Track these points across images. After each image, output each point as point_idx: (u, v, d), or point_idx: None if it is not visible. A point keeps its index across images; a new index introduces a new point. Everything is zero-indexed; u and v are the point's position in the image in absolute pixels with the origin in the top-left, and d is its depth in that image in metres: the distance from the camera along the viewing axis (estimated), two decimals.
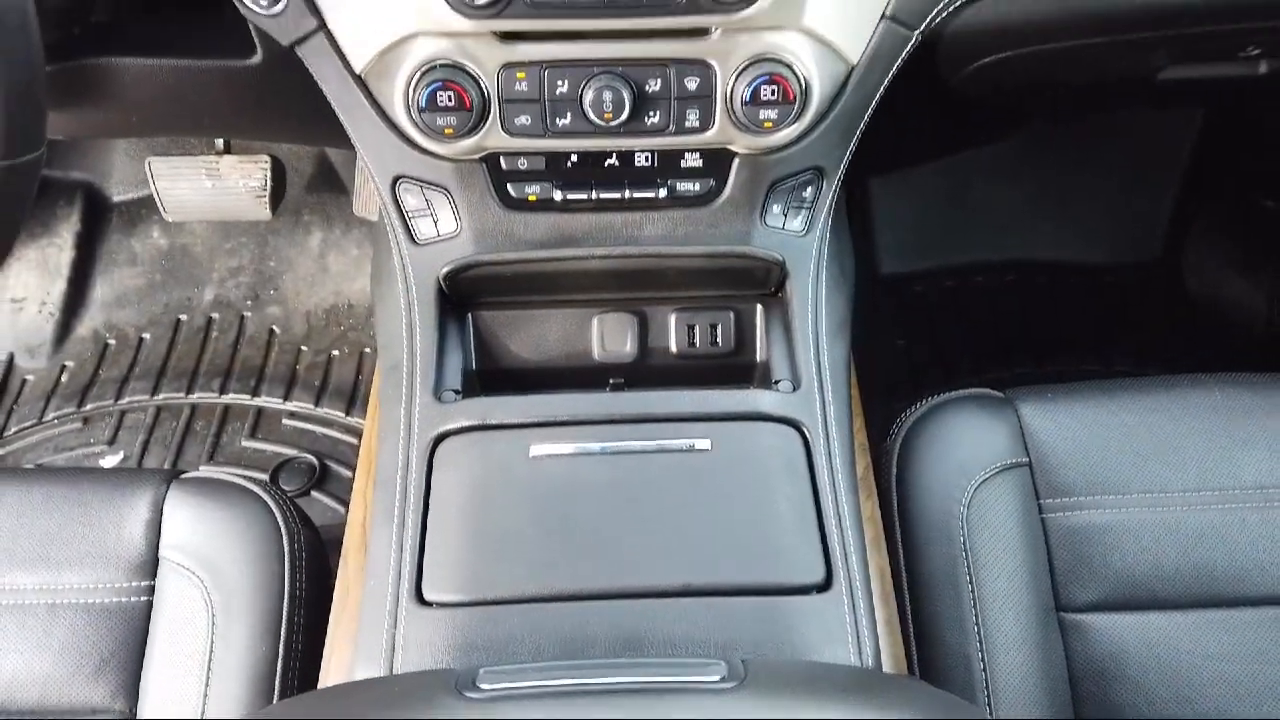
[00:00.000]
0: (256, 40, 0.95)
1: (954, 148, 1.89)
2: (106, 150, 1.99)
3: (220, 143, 1.82)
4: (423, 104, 0.88)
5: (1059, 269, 1.93)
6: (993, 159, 1.92)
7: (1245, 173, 1.84)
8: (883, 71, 0.93)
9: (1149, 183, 1.94)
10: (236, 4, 0.88)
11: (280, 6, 0.87)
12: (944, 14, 0.91)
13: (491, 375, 1.06)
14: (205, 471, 1.04)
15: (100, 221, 2.00)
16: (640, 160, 0.94)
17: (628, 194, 0.96)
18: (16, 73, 0.70)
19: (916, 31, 0.92)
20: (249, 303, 1.95)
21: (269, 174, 1.80)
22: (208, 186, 1.80)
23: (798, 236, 1.01)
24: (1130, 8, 0.96)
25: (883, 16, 0.89)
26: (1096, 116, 1.85)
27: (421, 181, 0.97)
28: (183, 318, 1.93)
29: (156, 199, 1.82)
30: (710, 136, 0.92)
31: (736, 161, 0.95)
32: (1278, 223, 1.76)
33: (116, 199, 2.01)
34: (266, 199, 1.81)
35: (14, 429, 1.78)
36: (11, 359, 1.88)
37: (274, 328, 1.92)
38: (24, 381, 1.85)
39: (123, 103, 1.03)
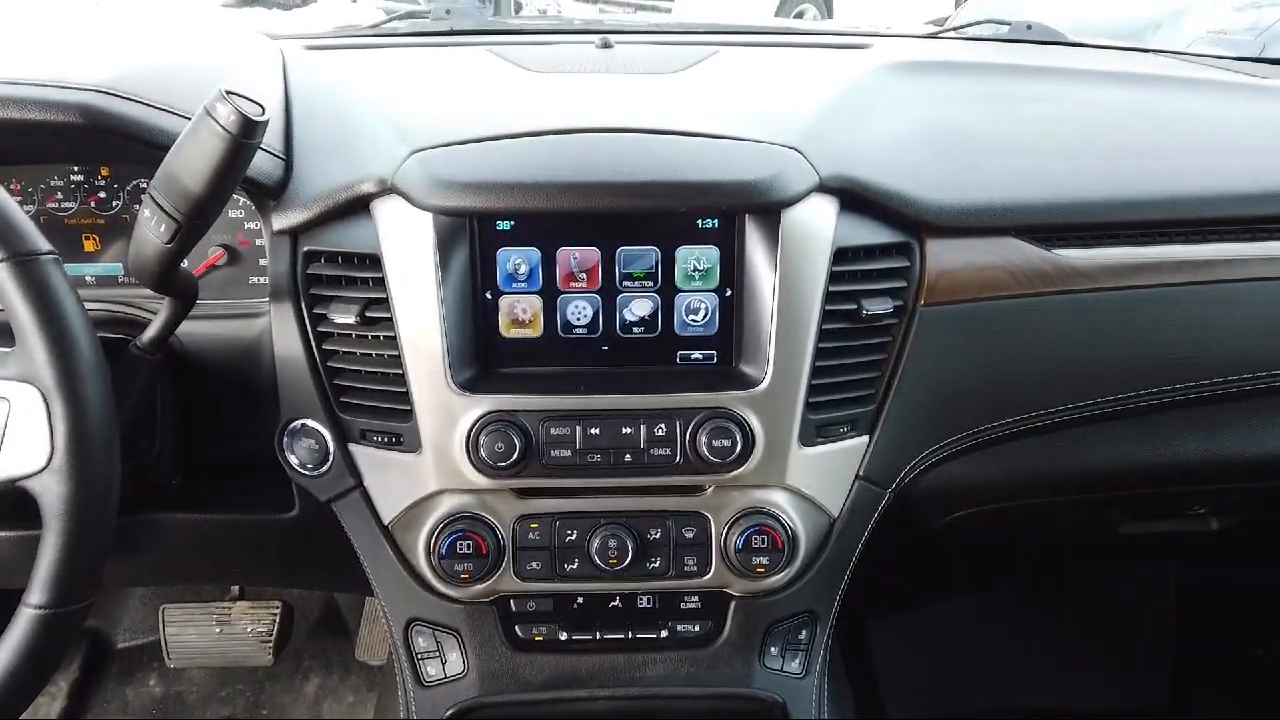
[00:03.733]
0: (296, 496, 1.05)
1: (950, 593, 1.94)
2: (121, 597, 2.03)
3: (235, 589, 1.87)
4: (443, 551, 0.96)
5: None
6: (990, 605, 1.96)
7: (1233, 619, 1.87)
8: (862, 523, 1.03)
9: (1146, 630, 1.97)
10: (286, 468, 1.00)
11: (325, 468, 0.99)
12: (910, 476, 1.03)
13: None
14: None
15: (99, 669, 1.98)
16: (642, 602, 1.01)
17: (630, 634, 1.01)
18: (90, 533, 0.76)
19: (888, 490, 1.03)
20: None
21: (278, 619, 1.83)
22: (216, 632, 1.82)
23: (796, 678, 1.04)
24: (1067, 473, 1.08)
25: (857, 477, 1.01)
26: (1088, 563, 1.93)
27: (434, 624, 1.02)
28: None
29: (163, 646, 1.83)
30: (707, 580, 0.99)
31: (733, 604, 1.01)
32: (1273, 669, 1.76)
33: (121, 645, 2.01)
34: (271, 644, 1.82)
35: None
36: None
37: None
38: None
39: (164, 554, 1.10)
